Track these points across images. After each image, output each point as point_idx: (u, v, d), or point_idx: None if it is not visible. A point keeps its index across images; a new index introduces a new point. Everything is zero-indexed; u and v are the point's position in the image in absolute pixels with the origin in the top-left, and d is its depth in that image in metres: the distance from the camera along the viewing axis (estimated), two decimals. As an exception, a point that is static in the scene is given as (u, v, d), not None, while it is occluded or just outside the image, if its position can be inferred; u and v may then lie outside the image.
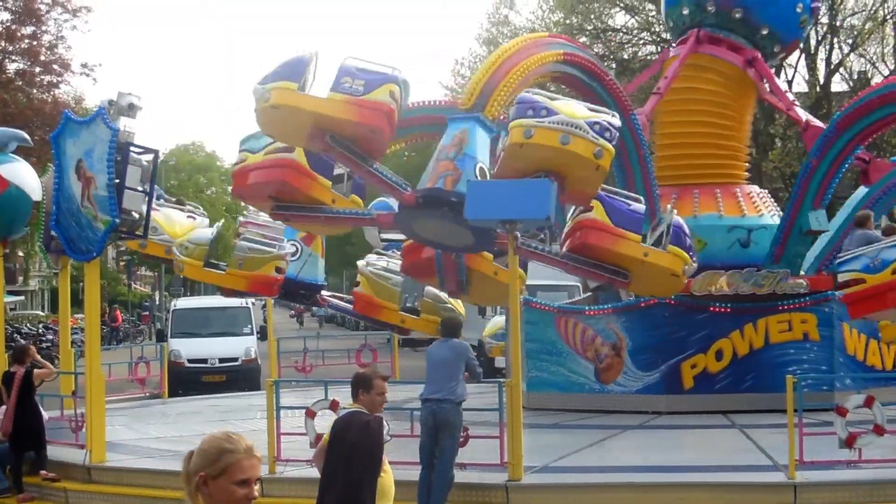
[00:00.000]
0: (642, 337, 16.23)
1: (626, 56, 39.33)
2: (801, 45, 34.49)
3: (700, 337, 16.07)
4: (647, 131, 17.39)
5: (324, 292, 18.40)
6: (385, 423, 7.52)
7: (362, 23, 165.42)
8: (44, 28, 35.81)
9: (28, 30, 35.68)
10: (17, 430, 13.39)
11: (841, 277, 12.98)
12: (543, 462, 12.10)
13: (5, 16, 35.60)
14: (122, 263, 75.52)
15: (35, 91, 36.04)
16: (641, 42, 39.14)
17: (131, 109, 13.20)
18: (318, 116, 12.17)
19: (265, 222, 17.25)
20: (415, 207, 12.59)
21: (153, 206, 16.93)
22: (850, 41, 36.73)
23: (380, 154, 13.08)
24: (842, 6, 36.13)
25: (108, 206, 12.67)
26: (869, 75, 37.39)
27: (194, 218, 17.67)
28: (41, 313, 56.52)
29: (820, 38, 36.20)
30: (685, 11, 18.45)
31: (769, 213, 17.67)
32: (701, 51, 18.06)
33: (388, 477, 7.10)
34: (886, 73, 35.48)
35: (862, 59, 38.02)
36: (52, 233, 14.34)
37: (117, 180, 12.70)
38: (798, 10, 17.96)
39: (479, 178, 12.16)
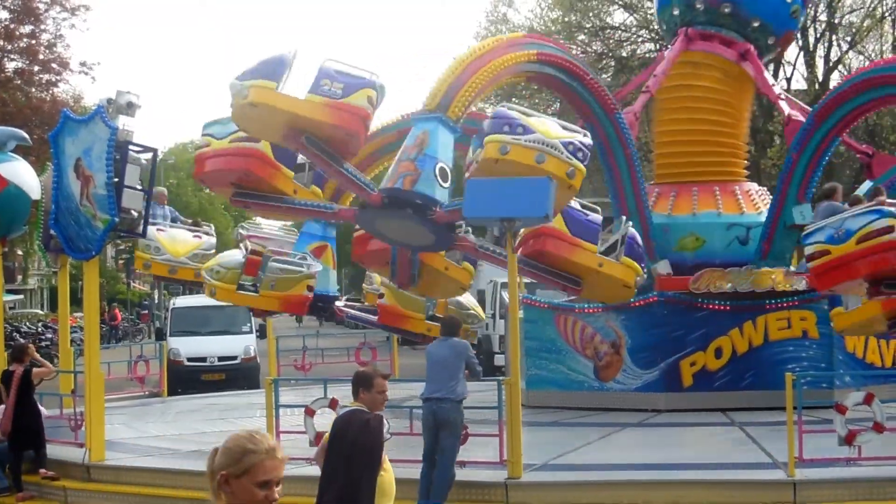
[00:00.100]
0: (641, 335, 16.23)
1: (624, 54, 39.32)
2: (799, 38, 34.58)
3: (699, 335, 16.07)
4: (634, 130, 17.45)
5: (338, 303, 18.48)
6: (385, 421, 7.52)
7: (361, 21, 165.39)
8: (42, 27, 35.81)
9: (27, 28, 35.67)
10: (17, 429, 13.39)
11: (807, 250, 12.92)
12: (543, 460, 12.10)
13: (4, 14, 35.62)
14: (121, 262, 75.53)
15: (34, 90, 36.04)
16: (640, 40, 39.13)
17: (130, 108, 13.19)
18: (295, 117, 12.26)
19: (268, 235, 17.53)
20: (380, 207, 12.77)
21: (160, 227, 17.21)
22: (848, 38, 36.74)
23: (352, 155, 13.21)
24: (840, 3, 36.14)
25: (107, 204, 12.66)
26: (868, 73, 37.33)
27: (200, 237, 17.73)
28: (40, 312, 56.53)
29: (818, 35, 36.21)
30: (675, 12, 18.52)
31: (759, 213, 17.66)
32: (692, 48, 18.09)
33: (388, 475, 7.09)
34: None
35: (861, 57, 38.02)
36: (52, 231, 14.34)
37: (116, 179, 12.70)
38: (788, 0, 17.98)
39: (439, 178, 12.44)
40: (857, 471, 11.05)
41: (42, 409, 14.35)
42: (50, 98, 35.64)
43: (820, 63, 36.29)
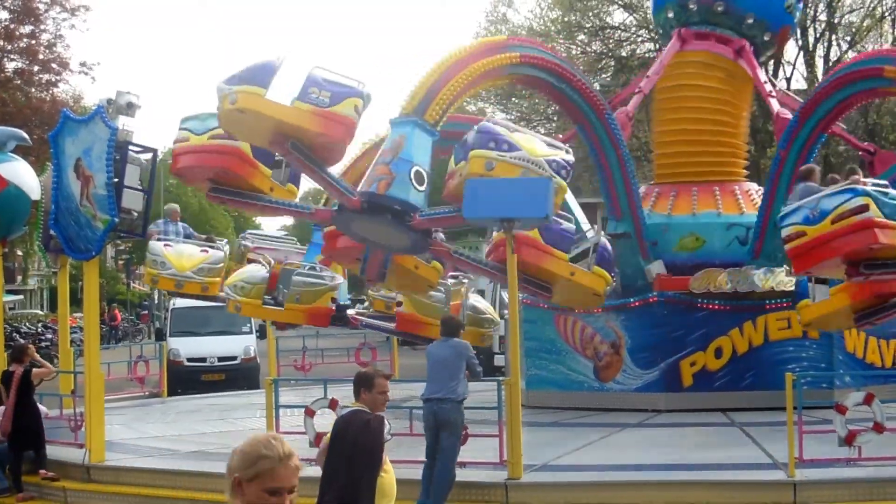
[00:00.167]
0: (641, 335, 16.23)
1: (624, 54, 39.30)
2: (799, 38, 34.57)
3: (699, 335, 16.07)
4: (627, 130, 17.51)
5: (350, 310, 18.61)
6: (386, 422, 7.53)
7: (360, 22, 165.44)
8: (42, 27, 35.83)
9: (27, 29, 35.69)
10: (16, 429, 13.39)
11: (783, 232, 12.89)
12: (543, 460, 12.10)
13: (4, 15, 35.66)
14: (120, 262, 75.51)
15: (34, 90, 36.06)
16: (640, 39, 39.09)
17: (130, 108, 13.19)
18: (282, 123, 12.37)
19: (274, 246, 18.04)
20: (359, 211, 12.94)
21: (167, 242, 17.43)
22: (848, 38, 36.71)
23: (335, 161, 13.37)
24: (840, 3, 36.13)
25: (107, 204, 12.66)
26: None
27: (207, 251, 17.83)
28: (40, 312, 56.55)
29: (818, 34, 36.20)
30: (670, 14, 18.58)
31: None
32: (687, 48, 18.11)
33: (388, 476, 7.09)
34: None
35: (860, 57, 37.99)
36: (51, 232, 14.34)
37: (116, 179, 12.70)
38: None
39: (414, 181, 12.61)
40: (858, 471, 11.04)
41: (43, 408, 14.35)
42: (50, 98, 35.66)
43: (820, 63, 36.27)
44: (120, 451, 13.86)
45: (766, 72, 19.04)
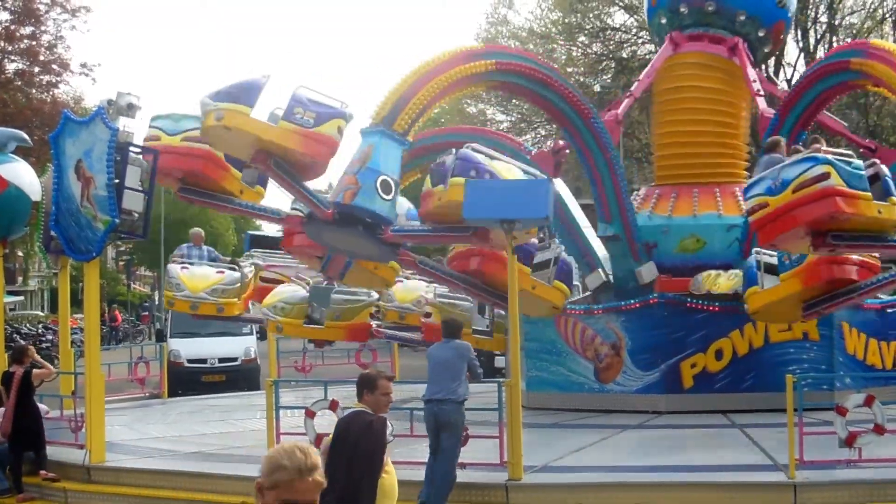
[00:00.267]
0: (642, 336, 16.21)
1: (625, 55, 39.35)
2: (800, 40, 34.61)
3: (700, 336, 16.05)
4: (616, 133, 17.62)
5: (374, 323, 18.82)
6: (388, 423, 7.53)
7: (360, 23, 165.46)
8: (43, 28, 35.85)
9: (27, 30, 35.70)
10: (17, 430, 13.39)
11: (747, 205, 12.83)
12: (543, 461, 12.09)
13: (4, 16, 35.68)
14: (121, 263, 75.58)
15: (34, 91, 36.06)
16: (641, 41, 39.15)
17: (130, 109, 13.20)
18: (267, 142, 12.59)
19: (286, 263, 18.41)
20: (331, 223, 13.29)
21: (184, 265, 17.87)
22: (849, 40, 36.69)
23: (315, 178, 13.62)
24: (841, 5, 36.17)
25: (108, 206, 12.66)
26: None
27: (222, 272, 18.01)
28: (41, 313, 56.55)
29: (819, 36, 36.23)
30: (663, 20, 18.65)
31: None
32: (681, 51, 18.12)
33: (390, 478, 7.09)
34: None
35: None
36: (52, 233, 14.34)
37: (117, 180, 12.70)
38: None
39: (380, 190, 12.90)
40: (858, 473, 11.02)
41: (44, 406, 14.34)
42: (50, 99, 35.67)
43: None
44: (120, 452, 13.85)
45: (766, 70, 19.03)
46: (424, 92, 14.00)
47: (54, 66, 35.97)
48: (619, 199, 16.69)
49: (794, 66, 36.23)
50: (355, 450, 7.07)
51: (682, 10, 18.10)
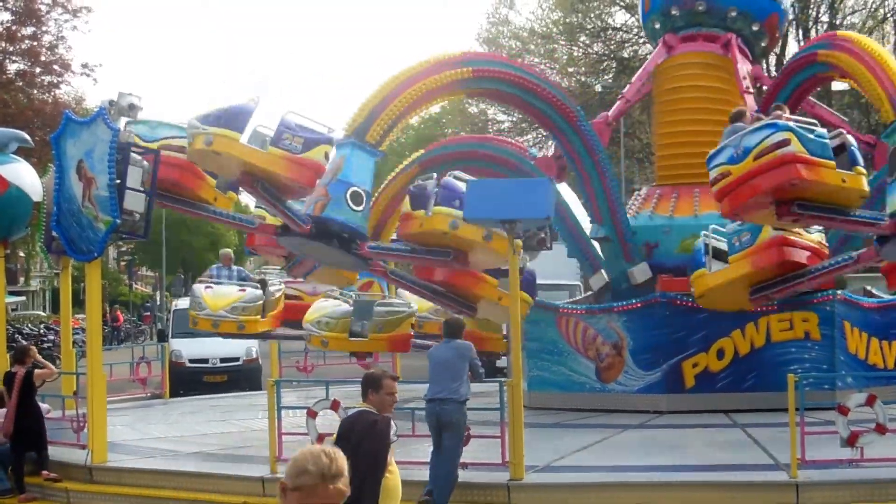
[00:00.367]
0: (643, 336, 16.20)
1: (626, 55, 39.34)
2: (801, 39, 34.59)
3: (701, 336, 16.03)
4: (606, 135, 17.70)
5: None
6: (392, 423, 7.53)
7: (361, 23, 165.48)
8: (44, 28, 35.88)
9: (28, 30, 35.73)
10: (18, 430, 13.39)
11: (711, 175, 12.75)
12: (545, 461, 12.09)
13: (6, 16, 35.71)
14: (122, 264, 75.63)
15: (35, 91, 36.07)
16: (642, 41, 39.13)
17: (132, 110, 13.22)
18: (256, 168, 12.96)
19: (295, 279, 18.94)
20: (307, 236, 13.66)
21: (208, 285, 18.28)
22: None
23: (298, 198, 14.04)
24: (842, 4, 36.17)
25: (109, 206, 12.67)
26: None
27: (244, 290, 18.27)
28: (42, 314, 56.59)
29: (819, 36, 36.20)
30: (657, 25, 18.69)
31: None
32: (675, 53, 18.12)
33: (394, 478, 7.09)
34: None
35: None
36: (53, 233, 14.34)
37: (118, 181, 12.70)
38: None
39: (350, 201, 13.26)
40: (860, 472, 11.03)
41: (45, 405, 14.34)
42: (52, 100, 35.69)
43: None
44: (122, 452, 13.86)
45: (767, 69, 19.04)
46: (397, 103, 14.28)
47: (55, 67, 36.00)
48: (610, 200, 16.77)
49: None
50: (359, 449, 7.07)
51: (673, 12, 18.16)
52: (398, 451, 7.68)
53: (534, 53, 41.32)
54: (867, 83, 14.02)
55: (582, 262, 18.76)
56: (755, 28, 18.24)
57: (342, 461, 3.78)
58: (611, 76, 39.60)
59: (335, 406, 11.96)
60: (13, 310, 45.44)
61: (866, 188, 12.39)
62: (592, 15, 39.71)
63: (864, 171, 12.40)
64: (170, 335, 27.56)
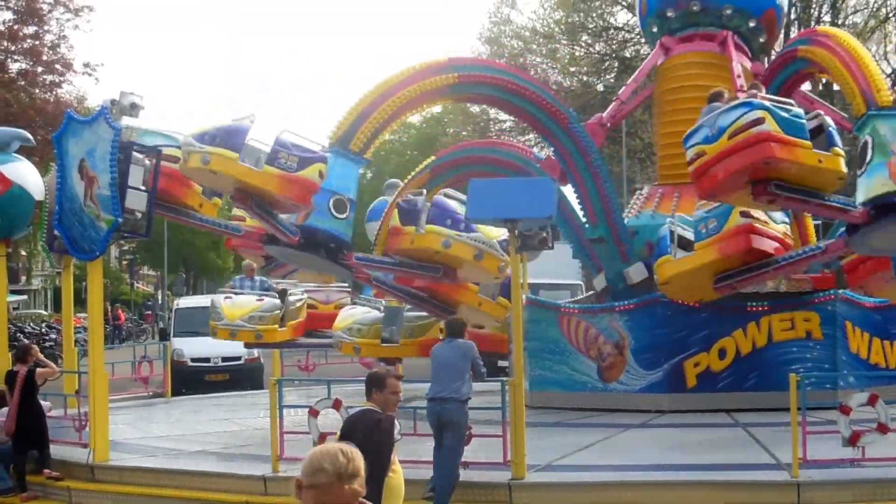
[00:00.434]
0: (645, 335, 16.21)
1: (628, 54, 39.33)
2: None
3: (703, 335, 16.04)
4: (600, 137, 17.75)
5: None
6: (396, 422, 7.53)
7: (363, 22, 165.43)
8: (46, 28, 35.86)
9: (30, 29, 35.72)
10: (20, 429, 13.40)
11: (687, 155, 12.65)
12: (546, 461, 12.09)
13: (7, 15, 35.70)
14: (124, 263, 75.66)
15: (37, 91, 36.08)
16: (643, 41, 39.13)
17: (133, 109, 13.21)
18: (252, 186, 13.21)
19: (319, 287, 19.63)
20: (295, 247, 14.01)
21: (228, 296, 18.68)
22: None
23: (291, 213, 14.34)
24: (844, 4, 36.14)
25: (111, 205, 12.67)
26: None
27: (262, 300, 18.51)
28: (44, 312, 56.62)
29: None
30: (654, 29, 18.73)
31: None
32: (673, 54, 18.13)
33: (397, 477, 7.09)
34: (889, 71, 35.48)
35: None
36: (55, 232, 14.35)
37: (120, 180, 12.70)
38: None
39: (333, 209, 13.67)
40: (861, 472, 11.03)
41: (47, 403, 14.34)
42: (53, 99, 35.69)
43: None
44: (124, 451, 13.87)
45: (768, 63, 19.01)
46: (381, 110, 14.56)
47: (57, 66, 35.99)
48: (604, 201, 16.81)
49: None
50: (362, 447, 7.06)
51: (669, 14, 18.17)
52: (401, 450, 7.67)
53: (536, 53, 41.33)
54: (841, 77, 13.95)
55: (587, 263, 18.78)
56: (752, 24, 18.23)
57: (359, 461, 3.77)
58: (613, 76, 39.59)
59: (337, 405, 11.97)
60: (15, 308, 45.49)
61: (844, 169, 12.23)
62: (594, 14, 39.71)
63: (841, 152, 12.24)
64: (171, 334, 27.61)
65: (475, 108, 43.49)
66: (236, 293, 19.08)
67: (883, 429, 11.09)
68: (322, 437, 11.76)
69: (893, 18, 36.98)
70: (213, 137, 13.08)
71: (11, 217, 15.59)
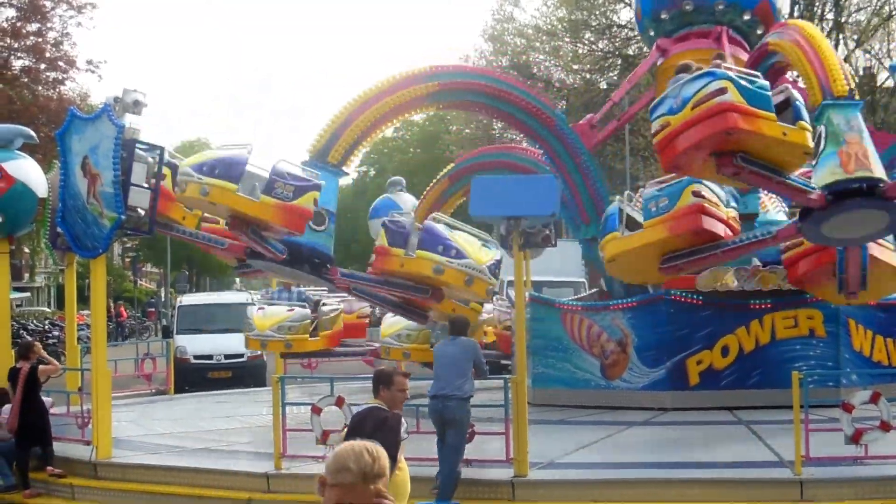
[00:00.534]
0: (648, 333, 16.20)
1: (631, 52, 39.26)
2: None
3: (706, 333, 16.03)
4: (591, 138, 17.74)
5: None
6: (403, 420, 7.54)
7: (366, 21, 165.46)
8: (49, 25, 35.88)
9: (33, 26, 35.74)
10: (23, 426, 13.42)
11: (652, 127, 12.51)
12: (549, 458, 12.10)
13: (11, 12, 35.70)
14: (127, 260, 75.65)
15: (40, 88, 36.08)
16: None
17: (136, 106, 13.21)
18: (249, 216, 13.54)
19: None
20: (282, 263, 14.48)
21: (261, 307, 18.82)
22: (855, 37, 36.65)
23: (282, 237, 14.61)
24: (847, 2, 36.07)
25: (114, 202, 12.68)
26: (875, 71, 37.32)
27: (292, 310, 18.66)
28: (47, 310, 56.58)
29: (825, 33, 36.12)
30: (651, 32, 18.72)
31: (775, 209, 17.61)
32: (671, 54, 18.12)
33: (402, 474, 7.09)
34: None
35: (867, 55, 37.91)
36: (58, 229, 14.37)
37: (123, 177, 12.71)
38: None
39: (311, 223, 13.97)
40: (864, 469, 11.03)
41: (49, 399, 14.35)
42: (57, 96, 35.69)
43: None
44: (127, 448, 13.89)
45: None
46: (359, 122, 14.93)
47: (60, 63, 36.00)
48: (595, 201, 16.83)
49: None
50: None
51: (663, 16, 18.16)
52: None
53: (539, 50, 41.29)
54: (802, 68, 13.82)
55: (598, 261, 18.83)
56: (746, 17, 18.19)
57: (385, 461, 3.66)
58: (616, 73, 39.54)
59: (340, 402, 11.97)
60: (18, 306, 45.48)
61: (810, 143, 12.00)
62: (597, 12, 39.64)
63: (808, 126, 12.01)
64: (174, 331, 27.62)
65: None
66: (269, 303, 19.33)
67: (886, 426, 11.09)
68: (325, 435, 11.77)
69: (897, 16, 36.90)
70: (211, 168, 13.34)
71: (14, 214, 15.61)
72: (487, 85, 16.36)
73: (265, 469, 12.03)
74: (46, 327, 38.68)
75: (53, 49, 35.87)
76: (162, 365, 21.45)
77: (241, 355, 26.05)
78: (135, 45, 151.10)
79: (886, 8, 36.42)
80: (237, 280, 78.18)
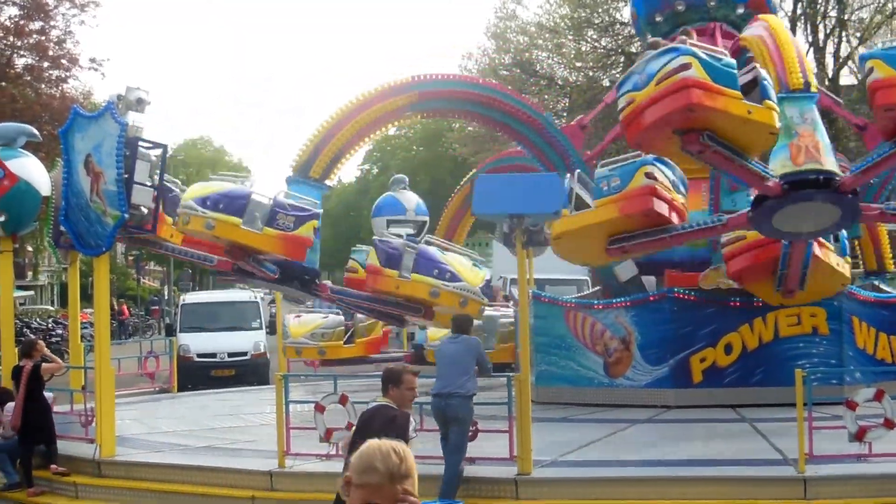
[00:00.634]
0: (651, 331, 16.20)
1: (634, 50, 39.22)
2: (809, 34, 34.43)
3: (709, 331, 16.02)
4: (581, 139, 17.72)
5: None
6: (412, 419, 7.54)
7: (368, 19, 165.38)
8: (52, 23, 35.85)
9: (36, 25, 35.72)
10: (26, 424, 13.43)
11: (619, 104, 12.42)
12: (552, 456, 12.09)
13: (14, 11, 35.67)
14: (130, 258, 75.65)
15: (43, 86, 36.07)
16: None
17: (139, 104, 13.23)
18: (252, 248, 14.09)
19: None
20: (273, 281, 15.06)
21: (297, 314, 19.52)
22: (858, 35, 36.58)
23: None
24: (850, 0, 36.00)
25: (117, 200, 12.69)
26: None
27: (326, 317, 19.47)
28: (50, 308, 56.67)
29: (828, 31, 36.10)
30: (649, 36, 18.62)
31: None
32: None
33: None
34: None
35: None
36: (62, 228, 14.38)
37: (126, 175, 12.72)
38: None
39: None
40: (868, 467, 11.01)
41: (49, 394, 14.35)
42: (60, 94, 35.68)
43: (830, 60, 36.16)
44: (130, 446, 13.90)
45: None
46: (340, 136, 15.33)
47: (63, 61, 35.98)
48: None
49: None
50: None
51: (658, 19, 18.22)
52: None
53: (541, 48, 41.24)
54: (764, 62, 13.82)
55: None
56: (740, 11, 18.20)
57: (411, 461, 3.59)
58: (618, 71, 39.49)
59: (343, 400, 11.97)
60: (21, 304, 45.58)
61: (776, 123, 11.87)
62: (600, 10, 39.59)
63: (774, 106, 11.86)
64: (178, 329, 27.64)
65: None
66: (306, 311, 19.62)
67: (889, 424, 11.08)
68: (328, 433, 11.77)
69: (900, 14, 36.81)
70: (215, 203, 13.68)
71: (18, 212, 15.61)
72: (469, 91, 16.49)
73: (269, 467, 12.03)
74: (50, 325, 38.70)
75: (56, 47, 35.85)
76: (165, 363, 21.46)
77: (245, 353, 26.12)
78: (138, 44, 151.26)
79: (889, 6, 36.34)
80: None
